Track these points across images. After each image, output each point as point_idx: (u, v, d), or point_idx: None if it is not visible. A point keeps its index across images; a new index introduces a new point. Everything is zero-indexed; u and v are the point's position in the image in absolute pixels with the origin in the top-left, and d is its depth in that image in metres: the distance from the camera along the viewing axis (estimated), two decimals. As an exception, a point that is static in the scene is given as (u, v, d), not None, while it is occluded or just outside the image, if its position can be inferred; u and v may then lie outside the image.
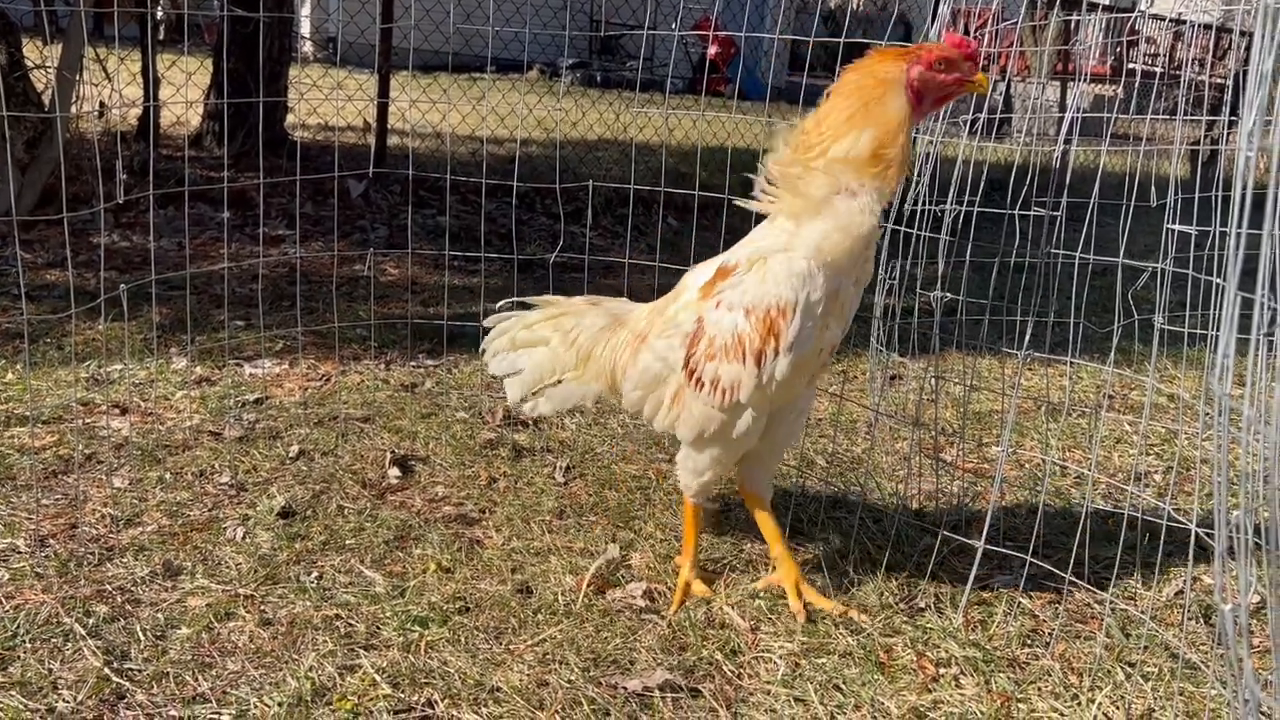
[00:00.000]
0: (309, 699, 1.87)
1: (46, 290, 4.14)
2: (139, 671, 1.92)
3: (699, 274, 2.25)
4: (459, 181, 3.87)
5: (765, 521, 2.38)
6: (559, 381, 2.45)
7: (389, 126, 6.67)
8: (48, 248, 4.64)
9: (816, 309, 2.03)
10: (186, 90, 3.63)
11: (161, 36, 8.12)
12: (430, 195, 6.02)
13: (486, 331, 2.60)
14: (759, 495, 2.37)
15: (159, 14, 8.05)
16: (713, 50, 12.84)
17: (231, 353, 3.62)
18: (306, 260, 4.77)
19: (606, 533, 2.59)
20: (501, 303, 2.63)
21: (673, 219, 6.16)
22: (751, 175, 2.16)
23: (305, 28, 13.80)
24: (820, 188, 2.01)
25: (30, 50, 5.07)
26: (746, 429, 2.17)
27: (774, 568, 2.39)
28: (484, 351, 2.60)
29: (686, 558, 2.37)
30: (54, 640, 1.99)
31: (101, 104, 4.81)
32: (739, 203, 2.18)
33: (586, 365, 2.40)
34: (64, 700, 1.83)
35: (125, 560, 2.30)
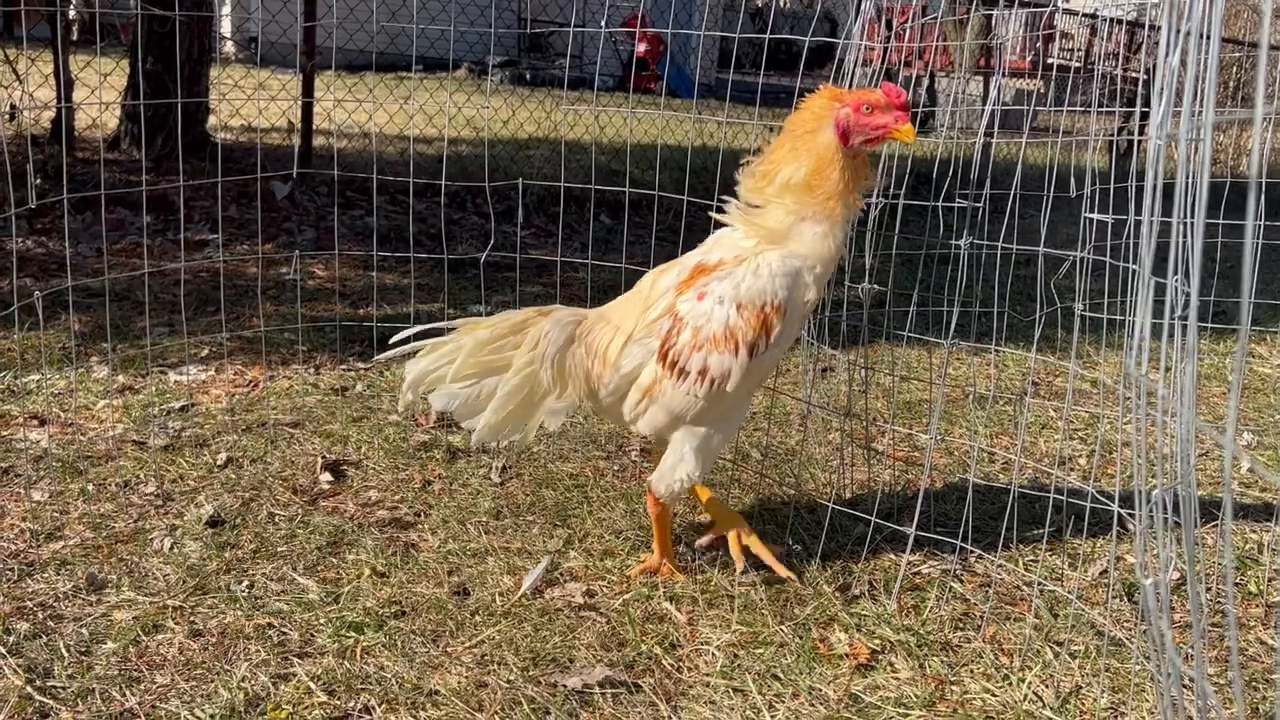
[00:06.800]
0: (242, 710, 1.84)
1: (-43, 299, 4.00)
2: (63, 689, 1.87)
3: (670, 274, 2.27)
4: (387, 181, 3.82)
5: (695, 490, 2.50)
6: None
7: (314, 127, 6.56)
8: (-42, 255, 4.49)
9: (804, 309, 2.19)
10: (101, 92, 3.53)
11: (74, 36, 7.88)
12: (358, 196, 5.94)
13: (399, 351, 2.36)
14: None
15: (71, 13, 7.82)
16: (641, 48, 12.85)
17: (155, 360, 3.53)
18: (231, 264, 4.68)
19: (544, 531, 2.58)
20: (404, 333, 2.37)
21: (605, 217, 6.16)
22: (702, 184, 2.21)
23: (226, 27, 13.52)
24: (780, 219, 2.15)
25: (-65, 51, 4.90)
26: (733, 414, 2.28)
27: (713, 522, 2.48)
28: (412, 384, 2.34)
29: (666, 558, 2.41)
30: (-28, 660, 1.92)
31: (12, 106, 4.66)
32: (716, 216, 2.28)
33: (568, 380, 2.32)
34: (-16, 722, 1.77)
35: (46, 575, 2.23)
